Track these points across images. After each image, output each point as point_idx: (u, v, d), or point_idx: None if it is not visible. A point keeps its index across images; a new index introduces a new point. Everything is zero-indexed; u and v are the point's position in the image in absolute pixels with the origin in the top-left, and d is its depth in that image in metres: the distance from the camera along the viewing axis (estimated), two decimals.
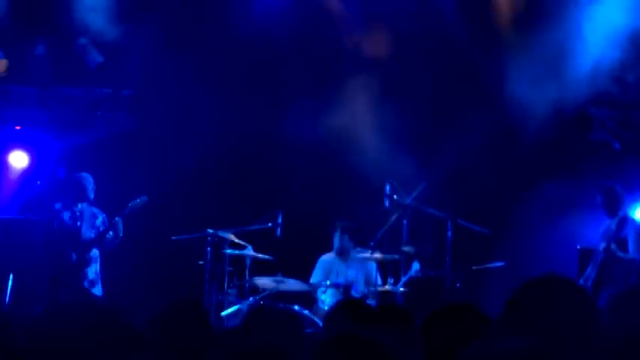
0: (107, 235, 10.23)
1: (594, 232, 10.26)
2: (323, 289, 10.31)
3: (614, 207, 9.96)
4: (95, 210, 10.37)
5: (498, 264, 10.49)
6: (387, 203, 10.64)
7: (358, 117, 11.31)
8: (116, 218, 10.18)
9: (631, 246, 9.83)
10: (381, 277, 10.53)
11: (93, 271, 10.25)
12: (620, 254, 9.77)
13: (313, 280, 10.61)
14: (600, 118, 11.90)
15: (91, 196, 10.33)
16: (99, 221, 10.33)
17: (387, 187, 10.60)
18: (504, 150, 11.55)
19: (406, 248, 10.48)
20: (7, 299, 10.39)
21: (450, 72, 11.60)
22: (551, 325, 2.93)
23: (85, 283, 10.09)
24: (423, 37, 11.69)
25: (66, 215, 10.28)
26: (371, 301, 9.82)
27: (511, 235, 10.77)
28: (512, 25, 11.35)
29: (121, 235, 10.22)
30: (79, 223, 10.23)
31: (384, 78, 11.56)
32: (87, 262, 10.18)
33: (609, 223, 10.00)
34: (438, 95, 11.53)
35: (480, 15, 11.57)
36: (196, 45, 11.89)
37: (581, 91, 10.99)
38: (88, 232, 10.25)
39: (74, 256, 10.12)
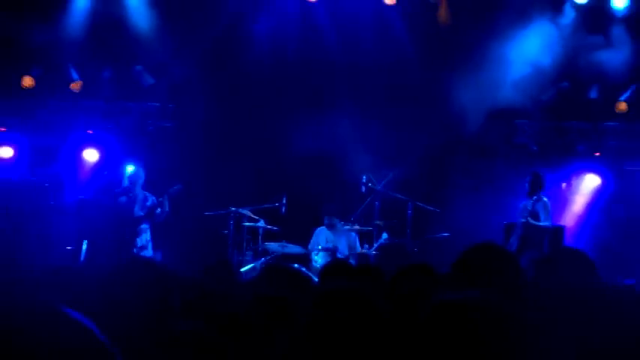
0: (156, 211, 10.17)
1: (514, 211, 10.25)
2: (316, 252, 10.32)
3: (536, 188, 9.92)
4: (147, 194, 10.29)
5: (444, 234, 10.55)
6: (363, 189, 10.68)
7: (343, 127, 11.28)
8: (164, 196, 10.12)
9: (542, 216, 9.82)
10: (359, 244, 10.56)
11: (144, 239, 10.19)
12: (535, 223, 9.76)
13: (310, 246, 10.61)
14: (522, 126, 11.90)
15: (140, 185, 10.25)
16: (149, 202, 10.24)
17: (364, 178, 10.67)
18: (450, 149, 11.56)
19: (377, 222, 10.53)
20: (83, 259, 10.36)
21: (407, 91, 11.57)
22: (488, 280, 2.93)
23: (136, 249, 10.05)
24: (388, 66, 11.67)
25: (123, 198, 10.22)
26: (352, 262, 9.82)
27: (453, 213, 10.77)
28: (455, 53, 11.30)
29: (167, 209, 10.14)
30: (132, 204, 10.17)
31: (362, 99, 11.55)
32: (138, 233, 10.12)
33: (525, 204, 9.98)
34: (400, 110, 11.50)
35: (430, 43, 11.55)
36: (223, 69, 11.86)
37: (508, 106, 10.98)
38: (139, 211, 10.18)
39: (128, 229, 10.07)
